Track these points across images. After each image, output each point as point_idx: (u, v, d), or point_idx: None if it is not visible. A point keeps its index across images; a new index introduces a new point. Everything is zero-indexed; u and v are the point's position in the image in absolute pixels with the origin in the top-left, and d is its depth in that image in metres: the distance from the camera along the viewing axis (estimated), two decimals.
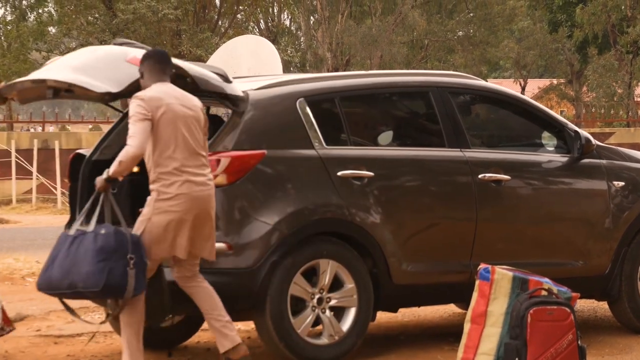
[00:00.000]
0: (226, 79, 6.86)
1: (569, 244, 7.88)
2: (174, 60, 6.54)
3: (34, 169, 24.03)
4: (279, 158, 6.91)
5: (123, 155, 6.08)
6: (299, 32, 50.24)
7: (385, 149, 7.56)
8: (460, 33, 45.83)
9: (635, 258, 8.07)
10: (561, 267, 7.79)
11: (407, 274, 7.22)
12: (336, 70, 39.96)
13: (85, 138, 25.30)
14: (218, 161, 6.70)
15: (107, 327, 7.55)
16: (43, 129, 31.29)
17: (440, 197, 7.44)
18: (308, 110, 7.12)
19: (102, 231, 6.09)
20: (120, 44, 7.02)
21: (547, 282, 6.57)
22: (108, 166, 6.27)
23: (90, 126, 38.48)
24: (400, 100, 8.02)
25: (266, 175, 6.84)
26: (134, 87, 6.48)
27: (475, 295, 6.54)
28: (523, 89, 51.86)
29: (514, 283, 6.48)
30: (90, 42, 32.27)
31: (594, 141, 7.99)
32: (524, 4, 48.10)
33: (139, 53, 6.59)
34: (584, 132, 7.99)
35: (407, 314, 9.14)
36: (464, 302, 7.62)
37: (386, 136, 7.78)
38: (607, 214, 8.00)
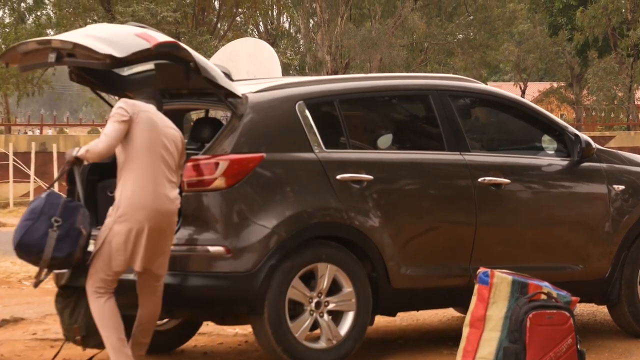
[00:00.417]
0: (228, 77, 6.90)
1: (568, 248, 7.86)
2: (181, 44, 6.55)
3: (31, 172, 24.01)
4: (278, 161, 6.89)
5: (92, 146, 6.24)
6: (298, 35, 50.27)
7: (385, 152, 7.54)
8: (460, 36, 45.86)
9: (635, 262, 8.05)
10: (561, 271, 7.77)
11: (406, 278, 7.19)
12: (335, 73, 39.94)
13: (84, 141, 25.29)
14: (217, 164, 6.68)
15: None
16: (41, 132, 31.26)
17: (440, 201, 7.42)
18: (307, 113, 7.09)
19: (43, 195, 6.27)
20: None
21: (546, 286, 6.56)
22: (105, 169, 6.32)
23: (88, 129, 38.50)
24: (399, 103, 8.00)
25: (265, 178, 6.82)
26: (139, 58, 6.51)
27: (474, 299, 6.53)
28: (523, 92, 51.88)
29: (513, 287, 6.47)
30: None
31: (594, 145, 7.97)
32: (524, 7, 48.13)
33: (151, 31, 6.60)
34: (584, 136, 7.97)
35: (406, 318, 9.12)
36: (463, 306, 7.60)
37: (386, 139, 7.76)
38: (607, 217, 7.98)
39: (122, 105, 6.31)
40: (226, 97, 6.87)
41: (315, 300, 6.89)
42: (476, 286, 6.54)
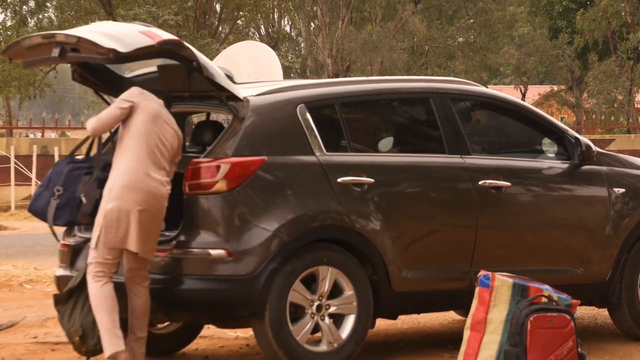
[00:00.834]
0: (230, 79, 6.97)
1: (569, 251, 7.86)
2: (184, 43, 6.60)
3: (33, 175, 24.02)
4: (279, 164, 6.89)
5: (87, 124, 6.52)
6: (299, 38, 50.26)
7: (386, 155, 7.54)
8: (461, 39, 45.86)
9: (636, 265, 8.05)
10: (561, 274, 7.77)
11: (407, 281, 7.19)
12: (336, 76, 39.97)
13: None
14: (218, 167, 6.69)
15: None
16: (43, 135, 31.31)
17: (441, 204, 7.42)
18: (308, 116, 7.10)
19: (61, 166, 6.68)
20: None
21: (547, 289, 6.56)
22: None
23: None
24: (400, 106, 8.01)
25: (266, 181, 6.82)
26: (143, 54, 6.58)
27: (475, 302, 6.53)
28: (523, 96, 51.87)
29: (514, 290, 6.47)
30: None
31: (594, 148, 7.98)
32: (524, 10, 48.15)
33: (156, 30, 6.64)
34: (584, 139, 7.97)
35: (407, 321, 9.12)
36: (464, 309, 7.60)
37: (386, 142, 7.77)
38: (607, 220, 7.98)
39: (128, 94, 6.54)
40: (228, 100, 6.89)
41: (316, 304, 6.89)
42: (477, 289, 6.54)
